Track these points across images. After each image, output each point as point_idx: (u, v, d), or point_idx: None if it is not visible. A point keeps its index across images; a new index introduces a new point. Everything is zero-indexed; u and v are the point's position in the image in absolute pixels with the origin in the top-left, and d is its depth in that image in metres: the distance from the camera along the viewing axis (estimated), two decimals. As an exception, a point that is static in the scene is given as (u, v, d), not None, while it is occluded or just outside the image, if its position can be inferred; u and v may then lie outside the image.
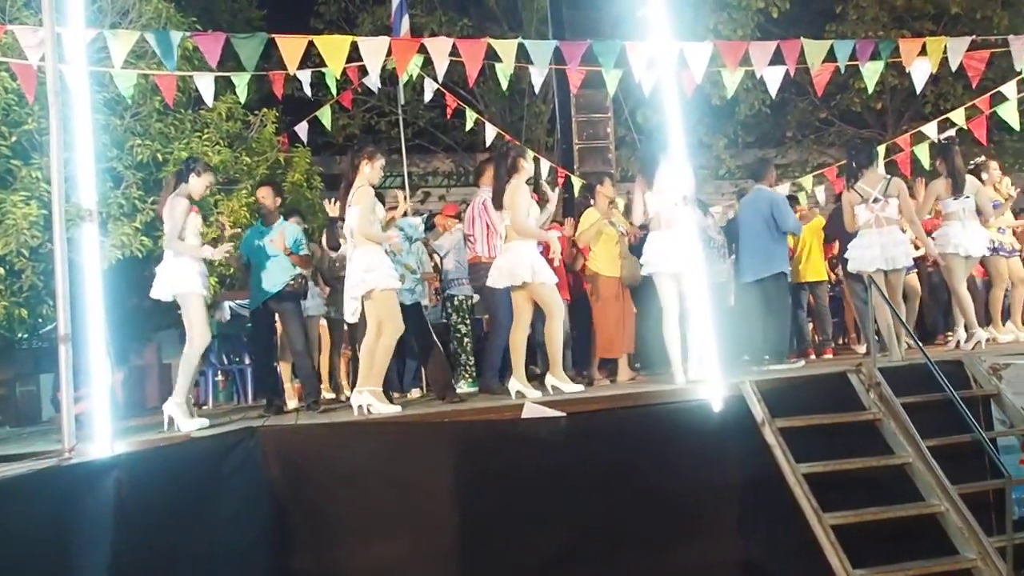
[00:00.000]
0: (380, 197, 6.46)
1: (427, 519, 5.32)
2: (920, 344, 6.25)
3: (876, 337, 7.00)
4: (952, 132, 9.82)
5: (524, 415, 5.65)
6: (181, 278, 6.01)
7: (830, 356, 8.63)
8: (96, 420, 4.91)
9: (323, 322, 8.62)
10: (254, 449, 5.26)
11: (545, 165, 11.05)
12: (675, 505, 5.47)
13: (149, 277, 9.34)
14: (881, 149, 10.56)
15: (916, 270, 8.33)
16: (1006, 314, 8.41)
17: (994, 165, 8.40)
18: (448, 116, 12.06)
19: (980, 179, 8.05)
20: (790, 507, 5.23)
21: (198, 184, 6.22)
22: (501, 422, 5.71)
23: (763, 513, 5.46)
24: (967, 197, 7.45)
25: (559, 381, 6.37)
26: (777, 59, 7.89)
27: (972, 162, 8.52)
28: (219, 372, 11.75)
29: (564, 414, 5.62)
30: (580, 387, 6.44)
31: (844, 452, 5.56)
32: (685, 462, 5.55)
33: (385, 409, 5.92)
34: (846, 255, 7.35)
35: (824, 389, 6.09)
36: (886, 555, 5.08)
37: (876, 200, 7.00)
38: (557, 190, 6.87)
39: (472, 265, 7.48)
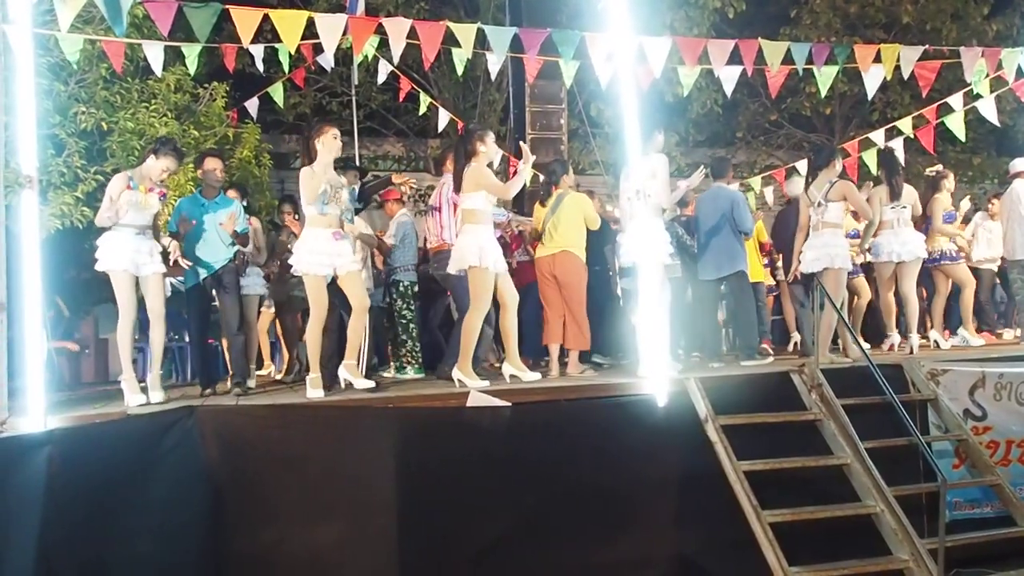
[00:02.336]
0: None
1: (366, 503, 5.28)
2: (862, 347, 6.36)
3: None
4: (898, 140, 10.00)
5: (469, 403, 5.63)
6: (109, 253, 5.92)
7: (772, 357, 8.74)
8: (30, 393, 4.77)
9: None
10: (192, 428, 5.16)
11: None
12: (615, 498, 5.51)
13: (89, 249, 9.09)
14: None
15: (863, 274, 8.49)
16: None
17: (951, 177, 8.65)
18: (401, 100, 11.92)
19: (939, 188, 8.38)
20: (729, 503, 5.29)
21: (154, 165, 6.06)
22: (445, 409, 5.68)
23: (703, 509, 5.51)
24: (904, 207, 7.67)
25: (464, 375, 6.21)
26: (734, 59, 7.93)
27: (931, 169, 8.72)
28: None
29: (510, 404, 5.60)
30: (486, 383, 6.17)
31: (784, 451, 5.62)
32: (628, 456, 5.58)
33: (359, 384, 6.07)
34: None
35: (767, 388, 6.17)
36: (822, 554, 5.16)
37: (819, 204, 7.12)
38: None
39: (437, 252, 7.45)
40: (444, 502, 5.28)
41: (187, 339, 10.68)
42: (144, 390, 5.92)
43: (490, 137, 6.49)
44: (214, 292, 6.87)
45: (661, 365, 5.97)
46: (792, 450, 5.65)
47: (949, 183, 8.52)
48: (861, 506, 5.46)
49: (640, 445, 5.62)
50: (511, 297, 6.44)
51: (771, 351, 8.14)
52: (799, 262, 7.31)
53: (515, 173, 11.00)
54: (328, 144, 6.10)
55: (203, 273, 6.65)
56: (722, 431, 5.54)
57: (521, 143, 6.74)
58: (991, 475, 5.95)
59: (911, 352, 7.48)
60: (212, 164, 6.78)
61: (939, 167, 8.88)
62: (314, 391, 5.89)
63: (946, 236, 8.48)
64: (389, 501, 5.24)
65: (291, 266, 7.82)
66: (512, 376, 6.36)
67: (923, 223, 8.72)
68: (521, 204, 10.54)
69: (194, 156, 8.31)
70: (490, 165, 6.54)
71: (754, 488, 5.28)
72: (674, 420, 5.67)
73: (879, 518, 5.39)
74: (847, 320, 6.94)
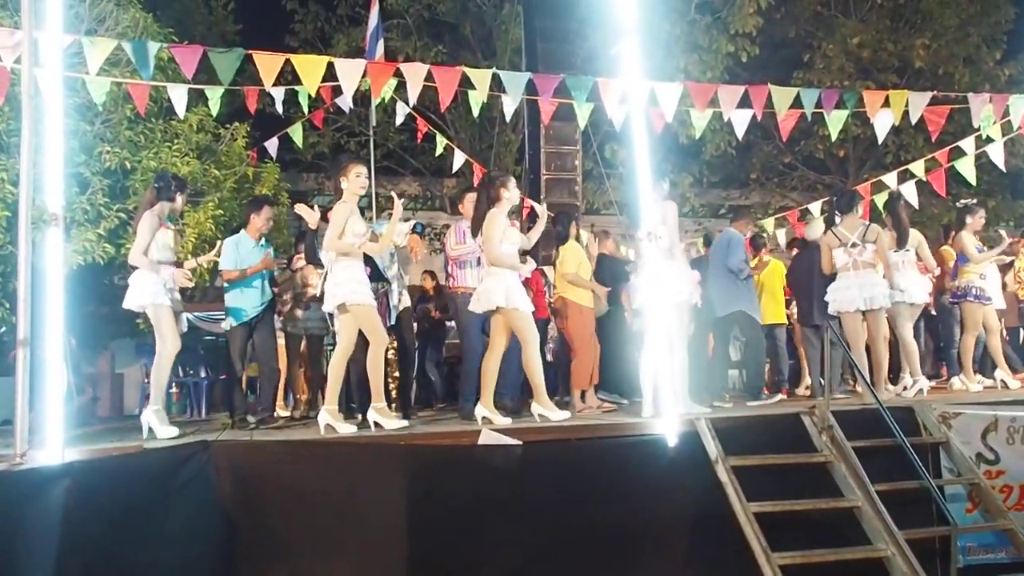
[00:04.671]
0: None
1: (378, 539, 5.30)
2: (872, 388, 6.38)
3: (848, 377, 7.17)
4: (910, 183, 10.05)
5: (481, 441, 5.67)
6: (149, 290, 6.08)
7: (784, 397, 8.73)
8: (49, 427, 4.86)
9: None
10: (207, 463, 5.21)
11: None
12: (626, 537, 5.50)
13: (108, 285, 9.30)
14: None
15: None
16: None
17: (980, 212, 8.49)
18: (418, 140, 12.08)
19: (965, 222, 8.30)
20: (739, 545, 5.28)
21: (180, 202, 6.44)
22: (456, 447, 5.73)
23: (712, 550, 5.50)
24: (908, 250, 7.76)
25: (545, 409, 6.36)
26: (745, 102, 8.04)
27: (961, 202, 8.70)
28: (173, 384, 11.64)
29: (520, 443, 5.64)
30: (567, 414, 6.40)
31: (795, 493, 5.63)
32: (637, 495, 5.59)
33: (343, 428, 5.95)
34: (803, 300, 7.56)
35: (777, 429, 6.18)
36: (832, 597, 5.16)
37: (855, 245, 7.26)
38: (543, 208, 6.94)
39: (449, 293, 7.53)
40: (455, 539, 5.30)
41: (202, 375, 10.81)
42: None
43: (512, 183, 6.63)
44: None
45: (672, 405, 6.00)
46: (803, 492, 5.66)
47: (977, 219, 8.38)
48: (872, 549, 5.44)
49: (651, 485, 5.63)
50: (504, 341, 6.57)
51: (771, 394, 8.10)
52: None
53: (530, 214, 11.20)
54: (352, 182, 6.19)
55: (254, 312, 6.89)
56: (732, 472, 5.55)
57: (540, 208, 6.88)
58: (1004, 519, 5.91)
59: (918, 393, 7.50)
60: (271, 212, 7.22)
61: (971, 201, 8.80)
62: (391, 422, 6.02)
63: (977, 269, 8.26)
64: (400, 538, 5.26)
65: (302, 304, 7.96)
66: (541, 416, 6.39)
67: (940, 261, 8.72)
68: (535, 246, 10.63)
69: (215, 195, 8.48)
70: (511, 210, 6.67)
71: (764, 530, 5.28)
72: (685, 461, 5.69)
73: (890, 562, 5.36)
74: (855, 361, 6.96)
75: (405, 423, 6.16)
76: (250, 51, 6.46)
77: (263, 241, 7.11)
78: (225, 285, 6.93)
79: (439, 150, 11.01)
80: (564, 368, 8.75)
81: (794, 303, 9.16)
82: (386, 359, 7.00)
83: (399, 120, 10.47)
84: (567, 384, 8.38)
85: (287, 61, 6.65)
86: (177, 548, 4.90)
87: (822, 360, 7.75)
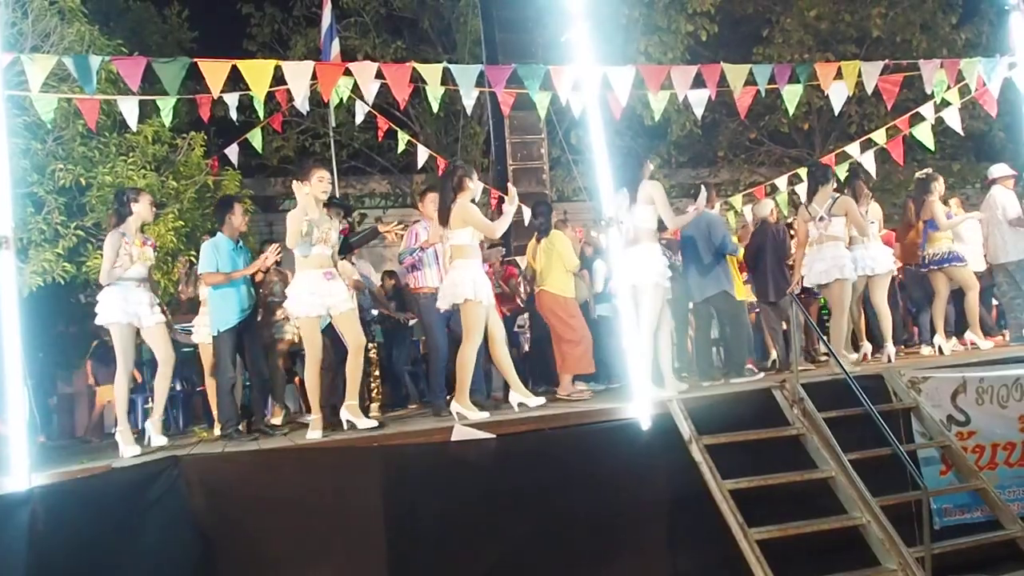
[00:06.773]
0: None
1: (357, 543, 5.27)
2: (838, 358, 6.40)
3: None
4: (870, 152, 10.09)
5: (454, 438, 5.64)
6: (107, 307, 6.04)
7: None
8: (13, 452, 4.79)
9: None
10: (177, 479, 5.16)
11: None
12: (604, 524, 5.50)
13: (75, 303, 9.22)
14: (803, 171, 10.84)
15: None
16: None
17: (941, 180, 8.54)
18: (380, 138, 12.02)
19: (931, 191, 8.32)
20: (717, 523, 5.29)
21: (142, 209, 6.27)
22: (430, 445, 5.68)
23: (690, 529, 5.52)
24: (872, 222, 7.78)
25: (464, 408, 6.23)
26: (702, 82, 8.04)
27: (921, 172, 8.76)
28: (149, 399, 11.53)
29: (494, 436, 5.61)
30: (486, 414, 6.24)
31: (769, 467, 5.63)
32: (614, 481, 5.58)
33: (362, 423, 6.04)
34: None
35: (749, 405, 6.18)
36: (810, 568, 5.15)
37: (821, 219, 7.31)
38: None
39: (412, 294, 7.49)
40: (435, 537, 5.28)
41: (178, 387, 10.72)
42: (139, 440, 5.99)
43: (474, 174, 6.58)
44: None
45: (644, 388, 5.99)
46: (777, 466, 5.67)
47: (940, 185, 8.44)
48: (847, 518, 5.47)
49: (627, 469, 5.63)
50: (499, 329, 6.52)
51: (756, 369, 8.16)
52: (802, 276, 7.56)
53: (498, 205, 11.17)
54: (314, 186, 6.10)
55: (240, 316, 6.71)
56: (706, 451, 5.55)
57: (509, 185, 6.64)
58: (976, 480, 5.96)
59: (888, 361, 7.53)
60: (243, 209, 7.01)
61: (928, 170, 8.85)
62: (313, 432, 5.93)
63: (950, 234, 8.32)
64: (380, 540, 5.23)
65: (274, 309, 7.92)
66: (520, 404, 6.39)
67: (905, 230, 8.78)
68: (507, 238, 10.63)
69: (175, 206, 8.41)
70: (473, 200, 6.59)
71: (741, 506, 5.30)
72: (659, 443, 5.69)
73: (866, 529, 5.40)
74: (821, 334, 7.00)
75: (375, 423, 6.15)
76: (195, 59, 6.38)
77: (240, 243, 6.92)
78: (207, 292, 6.81)
79: (401, 147, 10.96)
80: (540, 359, 8.75)
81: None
82: (368, 359, 7.00)
83: (359, 119, 10.39)
84: (546, 375, 8.42)
85: (234, 67, 6.56)
86: (152, 567, 4.85)
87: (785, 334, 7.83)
